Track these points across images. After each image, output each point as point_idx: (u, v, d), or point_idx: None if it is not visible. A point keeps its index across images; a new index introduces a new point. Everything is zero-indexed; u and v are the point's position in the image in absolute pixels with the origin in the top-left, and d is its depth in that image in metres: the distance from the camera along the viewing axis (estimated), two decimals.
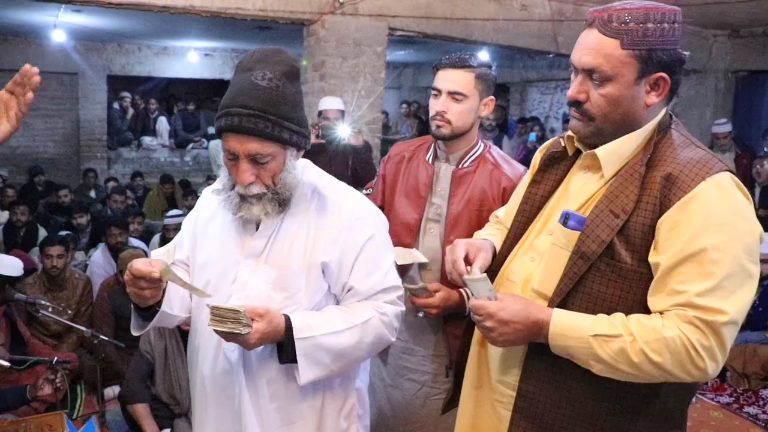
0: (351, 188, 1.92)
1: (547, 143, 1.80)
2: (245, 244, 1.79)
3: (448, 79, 2.23)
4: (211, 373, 1.84)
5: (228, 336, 1.61)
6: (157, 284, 1.66)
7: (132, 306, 1.80)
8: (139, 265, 1.64)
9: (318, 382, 1.79)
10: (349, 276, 1.78)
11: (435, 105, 2.25)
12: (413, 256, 2.22)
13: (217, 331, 1.59)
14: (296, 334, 1.66)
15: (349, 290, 1.79)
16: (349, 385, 1.90)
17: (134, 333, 1.88)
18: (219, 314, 1.56)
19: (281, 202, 1.72)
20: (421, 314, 2.19)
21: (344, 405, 1.88)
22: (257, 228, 1.78)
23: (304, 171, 1.84)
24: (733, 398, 4.61)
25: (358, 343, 1.74)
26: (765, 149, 7.41)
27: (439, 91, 2.25)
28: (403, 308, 1.87)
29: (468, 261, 1.68)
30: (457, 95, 2.22)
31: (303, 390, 1.78)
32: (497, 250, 1.78)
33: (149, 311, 1.78)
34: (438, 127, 2.24)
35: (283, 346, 1.69)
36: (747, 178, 6.58)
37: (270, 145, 1.64)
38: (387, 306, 1.80)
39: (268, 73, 1.64)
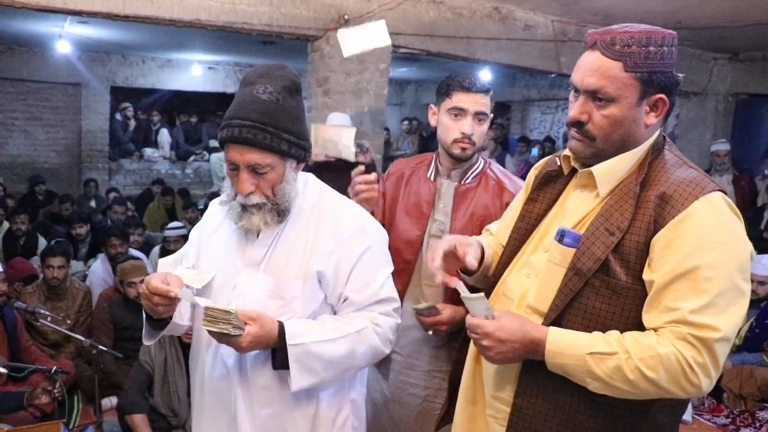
0: (351, 201, 1.95)
1: (541, 162, 1.84)
2: (246, 253, 1.83)
3: (474, 101, 2.24)
4: (208, 378, 1.88)
5: (220, 337, 1.64)
6: (171, 302, 1.69)
7: (144, 316, 1.84)
8: (156, 282, 1.67)
9: (312, 391, 1.81)
10: (344, 286, 1.81)
11: (460, 127, 2.24)
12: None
13: (209, 332, 1.63)
14: (289, 341, 1.69)
15: (344, 300, 1.82)
16: (343, 395, 1.91)
17: (146, 342, 1.92)
18: (212, 315, 1.60)
19: (280, 212, 1.76)
20: (431, 332, 2.20)
21: (338, 415, 1.89)
22: (258, 237, 1.82)
23: (307, 184, 1.89)
24: (730, 419, 4.60)
25: (350, 352, 1.76)
26: (765, 171, 7.46)
27: (462, 112, 2.24)
28: (399, 321, 1.89)
29: (458, 256, 1.71)
30: (482, 116, 2.26)
31: (296, 398, 1.80)
32: (485, 252, 1.81)
33: (160, 321, 1.82)
34: (463, 149, 2.25)
35: (276, 352, 1.72)
36: (746, 200, 6.61)
37: (269, 156, 1.69)
38: (382, 317, 1.82)
39: (269, 87, 1.70)
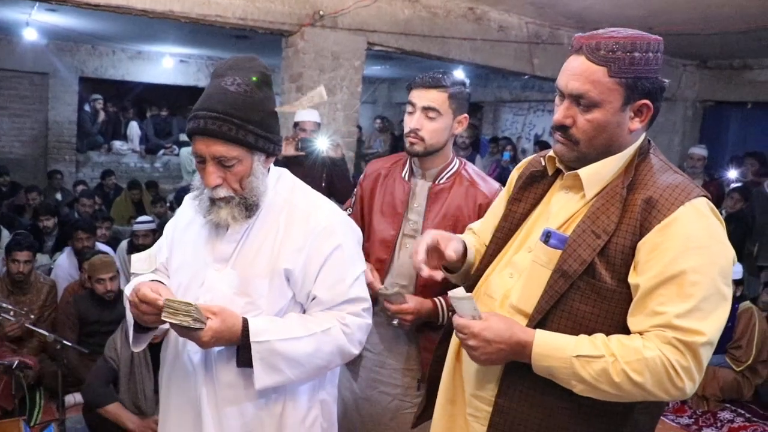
0: (325, 198, 1.92)
1: (524, 161, 1.84)
2: (216, 248, 1.81)
3: (422, 97, 2.25)
4: (174, 374, 1.86)
5: (181, 330, 1.62)
6: (160, 312, 1.66)
7: (133, 324, 1.81)
8: (146, 290, 1.65)
9: (279, 390, 1.79)
10: (313, 285, 1.78)
11: (409, 122, 2.27)
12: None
13: (171, 325, 1.62)
14: (252, 337, 1.67)
15: (313, 299, 1.80)
16: (312, 395, 1.89)
17: (135, 350, 1.90)
18: (172, 307, 1.58)
19: (248, 206, 1.74)
20: (396, 322, 2.19)
21: (307, 416, 1.87)
22: (227, 232, 1.80)
23: (280, 179, 1.86)
24: (693, 420, 4.69)
25: (315, 351, 1.74)
26: (729, 177, 7.60)
27: (414, 108, 2.27)
28: (369, 321, 1.87)
29: (439, 250, 1.72)
30: (431, 112, 2.24)
31: (262, 396, 1.78)
32: (468, 250, 1.82)
33: (147, 328, 1.81)
34: (411, 144, 2.26)
35: (240, 349, 1.70)
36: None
37: (234, 148, 1.67)
38: (350, 317, 1.80)
39: (237, 78, 1.68)
